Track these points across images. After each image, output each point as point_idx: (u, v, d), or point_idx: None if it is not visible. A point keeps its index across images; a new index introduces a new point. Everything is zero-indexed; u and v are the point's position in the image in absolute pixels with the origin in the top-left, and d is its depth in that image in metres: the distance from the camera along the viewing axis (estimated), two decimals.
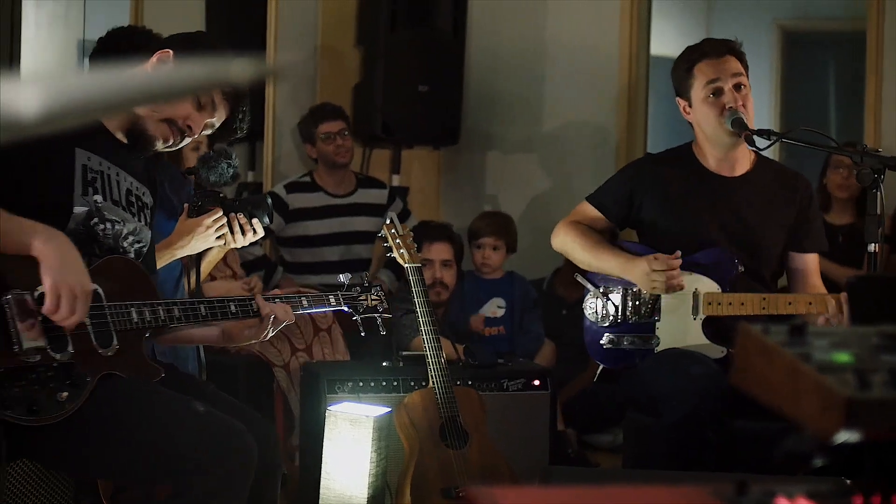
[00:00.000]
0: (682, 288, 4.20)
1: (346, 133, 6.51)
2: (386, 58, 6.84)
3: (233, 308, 3.47)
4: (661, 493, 1.42)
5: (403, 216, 6.53)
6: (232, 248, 3.99)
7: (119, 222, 3.34)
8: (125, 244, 3.37)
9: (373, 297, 3.91)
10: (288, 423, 5.24)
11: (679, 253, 4.19)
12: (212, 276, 5.26)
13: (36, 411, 2.96)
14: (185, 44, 3.51)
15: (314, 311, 3.82)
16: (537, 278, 6.67)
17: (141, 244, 3.46)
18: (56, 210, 3.16)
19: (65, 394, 3.01)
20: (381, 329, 3.90)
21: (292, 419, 5.19)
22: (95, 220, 3.27)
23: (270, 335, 3.58)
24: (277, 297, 3.60)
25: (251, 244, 5.90)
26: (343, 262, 6.32)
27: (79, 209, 3.23)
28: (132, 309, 3.23)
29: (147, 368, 3.27)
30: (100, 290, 3.15)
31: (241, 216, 3.80)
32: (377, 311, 3.91)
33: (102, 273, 3.17)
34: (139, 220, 3.44)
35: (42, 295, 2.99)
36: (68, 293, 2.95)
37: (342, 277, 3.91)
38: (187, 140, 3.44)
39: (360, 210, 6.55)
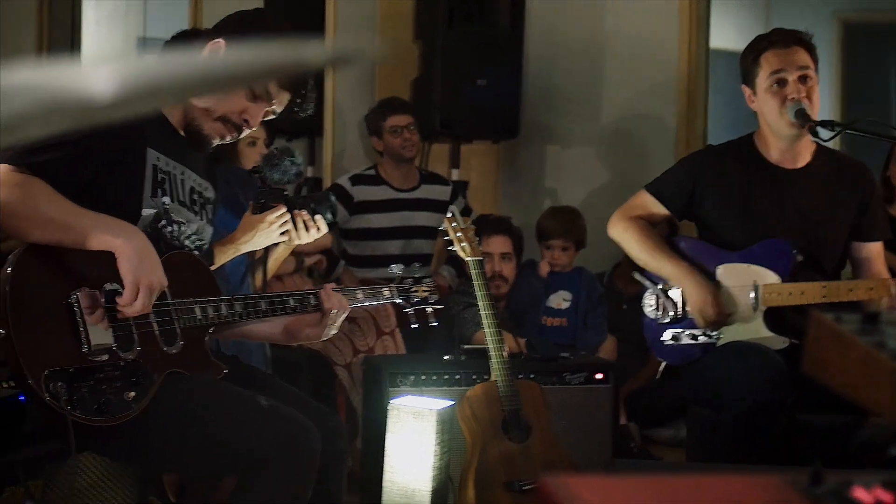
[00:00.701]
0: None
1: (413, 127, 6.54)
2: (444, 53, 6.83)
3: (291, 303, 3.49)
4: (736, 481, 1.42)
5: (465, 213, 6.54)
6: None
7: (184, 223, 3.35)
8: (187, 242, 3.38)
9: (424, 288, 3.93)
10: (351, 424, 5.23)
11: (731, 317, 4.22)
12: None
13: (104, 411, 2.97)
14: (240, 26, 3.46)
15: (369, 303, 3.83)
16: (597, 272, 6.65)
17: (202, 241, 3.47)
18: (125, 212, 3.15)
19: (132, 393, 3.03)
20: (430, 320, 3.92)
21: (356, 420, 5.19)
22: (163, 222, 3.27)
23: (333, 332, 3.60)
24: (334, 290, 3.61)
25: None
26: (404, 256, 6.34)
27: (147, 211, 3.23)
28: (195, 306, 3.25)
29: (210, 365, 3.29)
30: (164, 288, 3.16)
31: (304, 213, 3.81)
32: (428, 303, 3.93)
33: (167, 267, 3.16)
34: (201, 218, 3.46)
35: (110, 292, 3.03)
36: (146, 287, 3.00)
37: (395, 269, 3.93)
38: (246, 132, 3.42)
39: (423, 205, 6.57)
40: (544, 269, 6.21)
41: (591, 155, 7.33)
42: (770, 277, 4.20)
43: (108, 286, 3.03)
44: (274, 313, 3.45)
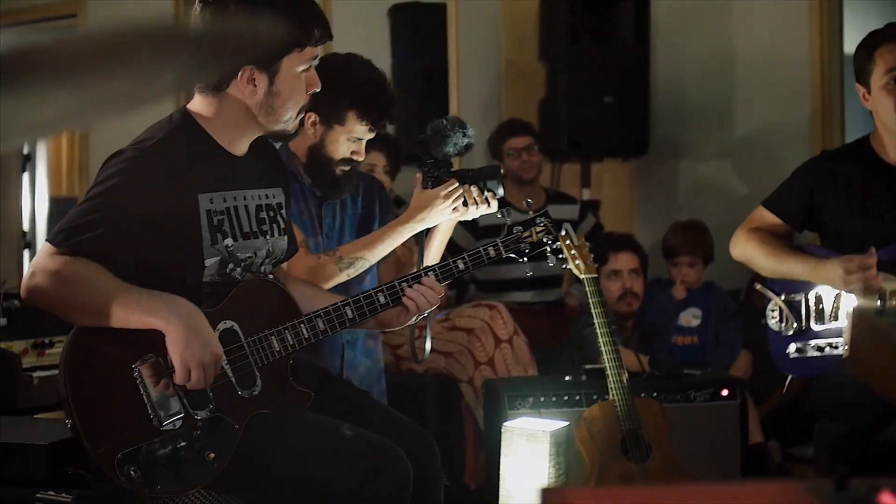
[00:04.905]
0: (878, 290, 4.00)
1: (534, 148, 6.43)
2: (569, 71, 6.72)
3: (381, 299, 3.29)
4: (753, 490, 1.32)
5: (596, 230, 6.44)
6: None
7: (253, 255, 3.22)
8: (262, 270, 3.27)
9: (537, 229, 3.66)
10: (478, 440, 5.18)
11: (874, 250, 3.99)
12: None
13: (184, 479, 2.95)
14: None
15: (470, 270, 3.51)
16: (734, 288, 6.49)
17: (276, 258, 3.34)
18: (188, 266, 3.07)
19: (212, 454, 2.99)
20: (549, 261, 3.71)
21: (481, 436, 5.13)
22: (230, 265, 3.15)
23: (414, 320, 3.41)
24: (430, 270, 3.41)
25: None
26: (534, 278, 6.24)
27: (210, 260, 3.10)
28: (273, 337, 3.13)
29: (295, 396, 3.20)
30: (236, 328, 3.08)
31: (474, 188, 3.77)
32: (544, 244, 3.68)
33: (237, 303, 3.10)
34: (273, 234, 3.29)
35: None
36: (197, 365, 2.92)
37: (500, 214, 3.76)
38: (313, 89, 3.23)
39: None
40: (679, 292, 6.07)
41: (726, 168, 7.16)
42: None
43: None
44: (363, 317, 3.27)
